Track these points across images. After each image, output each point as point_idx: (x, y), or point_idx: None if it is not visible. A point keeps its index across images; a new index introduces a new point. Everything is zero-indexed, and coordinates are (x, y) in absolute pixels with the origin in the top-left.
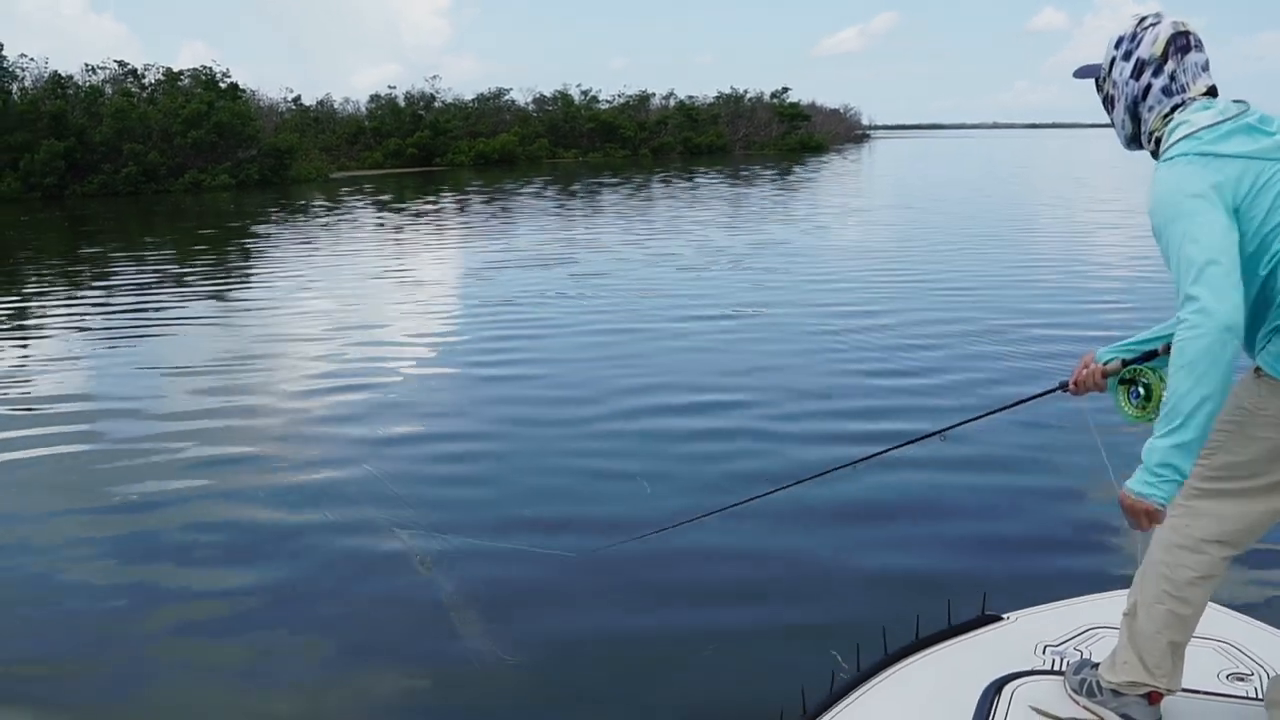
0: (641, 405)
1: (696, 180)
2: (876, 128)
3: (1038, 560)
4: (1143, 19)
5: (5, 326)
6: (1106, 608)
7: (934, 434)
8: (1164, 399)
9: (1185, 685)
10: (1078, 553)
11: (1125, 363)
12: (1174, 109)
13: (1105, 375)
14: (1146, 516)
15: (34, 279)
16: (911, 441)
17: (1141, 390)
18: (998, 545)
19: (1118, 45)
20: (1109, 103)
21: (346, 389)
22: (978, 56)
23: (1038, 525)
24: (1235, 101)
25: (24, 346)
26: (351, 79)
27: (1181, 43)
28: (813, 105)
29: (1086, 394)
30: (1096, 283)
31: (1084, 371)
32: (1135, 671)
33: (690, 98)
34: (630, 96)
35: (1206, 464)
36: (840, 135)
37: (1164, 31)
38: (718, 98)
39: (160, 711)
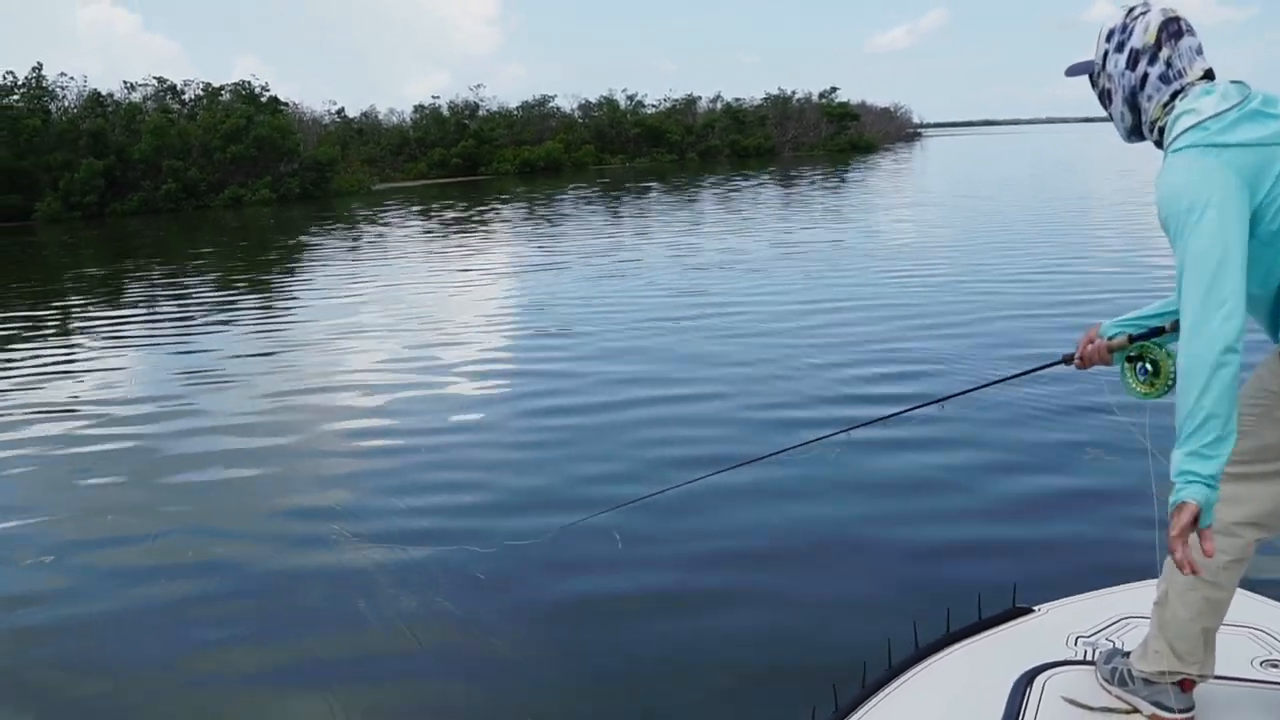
0: (663, 412)
1: (738, 183)
2: (927, 126)
3: (1067, 551)
4: (1131, 9)
5: (50, 345)
6: (1138, 597)
7: (933, 402)
8: (1175, 401)
9: (1219, 672)
10: (1107, 543)
11: (1132, 338)
12: (1174, 96)
13: (1111, 350)
14: (1186, 516)
15: (79, 298)
16: (912, 409)
17: (1149, 366)
18: (1027, 536)
19: (1109, 38)
20: (1106, 97)
21: (350, 408)
22: (1029, 50)
23: (1066, 516)
24: (1234, 83)
25: (66, 362)
26: (403, 90)
27: (1173, 28)
28: (862, 105)
29: (1091, 368)
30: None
31: (1089, 346)
32: (1167, 660)
33: (737, 100)
34: (677, 100)
35: (1233, 449)
36: (890, 134)
37: (1154, 19)
38: (765, 99)
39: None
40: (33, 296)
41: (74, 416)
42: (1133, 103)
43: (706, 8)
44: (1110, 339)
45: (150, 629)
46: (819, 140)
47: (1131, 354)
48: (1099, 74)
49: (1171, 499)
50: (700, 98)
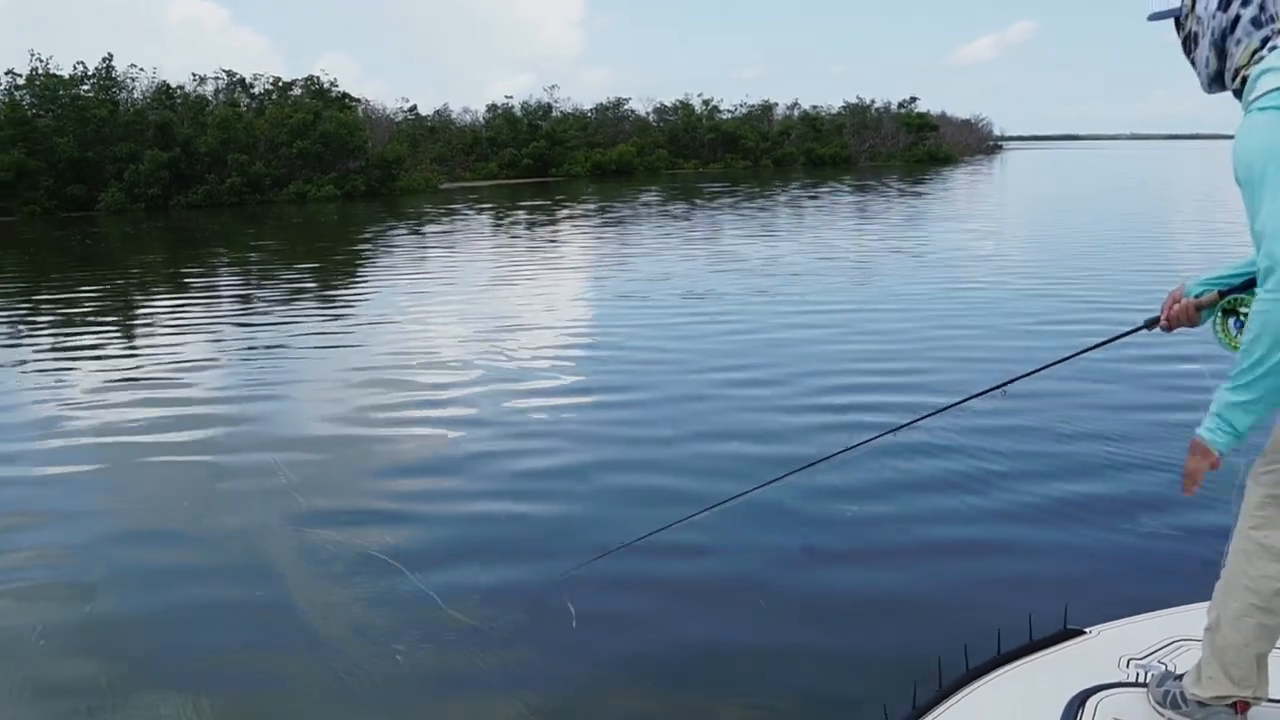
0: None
1: (809, 192)
2: (1008, 138)
3: (1120, 571)
4: None
5: (113, 331)
6: (1191, 619)
7: (997, 388)
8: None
9: (1273, 695)
10: (1161, 563)
11: (1222, 294)
12: (1264, 42)
13: (1199, 308)
14: (1201, 457)
15: (144, 285)
16: (973, 397)
17: (1244, 319)
18: (1078, 556)
19: None
20: (1191, 41)
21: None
22: (1116, 66)
23: (1119, 535)
24: None
25: (129, 348)
26: (486, 90)
27: None
28: (942, 115)
29: (1177, 329)
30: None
31: (1176, 306)
32: (1221, 685)
33: (814, 107)
34: (753, 106)
35: (1278, 469)
36: (970, 147)
37: None
38: (843, 107)
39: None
40: (97, 284)
41: (128, 403)
42: (1221, 47)
43: (798, 17)
44: (1198, 297)
45: (191, 613)
46: (896, 150)
47: (1225, 308)
48: (1187, 17)
49: (1200, 432)
50: (777, 104)
